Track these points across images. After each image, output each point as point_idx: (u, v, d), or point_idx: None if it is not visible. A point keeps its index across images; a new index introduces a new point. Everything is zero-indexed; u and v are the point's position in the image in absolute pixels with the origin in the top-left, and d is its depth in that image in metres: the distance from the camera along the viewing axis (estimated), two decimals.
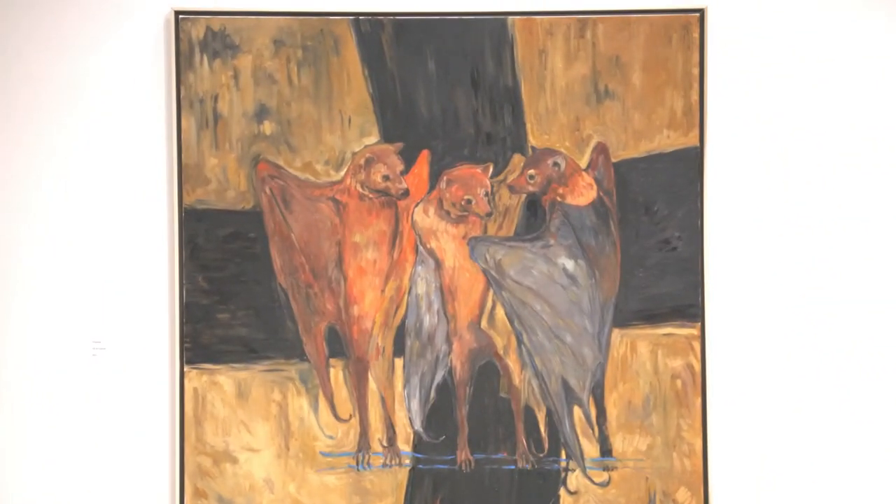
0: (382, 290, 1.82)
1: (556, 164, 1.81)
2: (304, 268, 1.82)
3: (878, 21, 1.83)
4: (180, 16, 1.80)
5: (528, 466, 1.81)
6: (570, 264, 1.81)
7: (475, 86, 1.81)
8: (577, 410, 1.82)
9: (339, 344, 1.83)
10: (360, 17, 1.80)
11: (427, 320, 1.83)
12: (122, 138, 1.83)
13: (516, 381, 1.82)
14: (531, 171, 1.81)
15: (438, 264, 1.82)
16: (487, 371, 1.82)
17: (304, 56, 1.81)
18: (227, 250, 1.81)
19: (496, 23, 1.80)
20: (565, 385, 1.82)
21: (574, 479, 1.81)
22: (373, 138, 1.81)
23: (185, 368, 1.81)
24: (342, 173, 1.82)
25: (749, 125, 1.82)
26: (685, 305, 1.80)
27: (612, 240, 1.81)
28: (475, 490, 1.81)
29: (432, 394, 1.82)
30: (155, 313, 1.82)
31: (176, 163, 1.81)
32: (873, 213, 1.83)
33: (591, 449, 1.82)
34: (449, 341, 1.83)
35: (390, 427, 1.82)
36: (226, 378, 1.81)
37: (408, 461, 1.82)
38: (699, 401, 1.81)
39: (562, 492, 1.81)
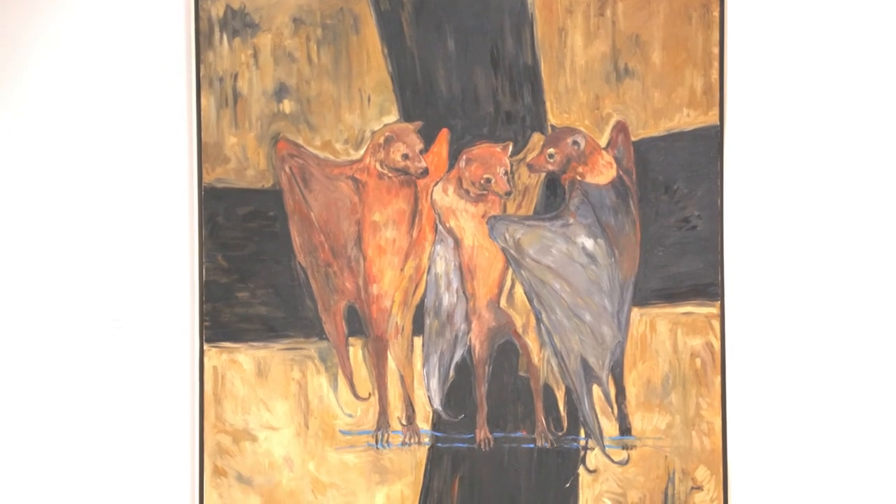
0: (402, 269, 1.83)
1: (575, 142, 1.81)
2: (324, 246, 1.82)
3: None
4: None
5: (548, 445, 1.82)
6: (589, 243, 1.81)
7: (495, 64, 1.81)
8: (596, 389, 1.82)
9: (358, 323, 1.83)
10: None
11: (446, 299, 1.83)
12: (142, 117, 1.83)
13: (535, 359, 1.82)
14: (550, 150, 1.81)
15: (457, 243, 1.83)
16: (506, 350, 1.83)
17: (324, 35, 1.81)
18: (247, 229, 1.82)
19: (516, 1, 1.80)
20: (584, 364, 1.82)
21: (593, 458, 1.82)
22: (392, 117, 1.81)
23: (205, 347, 1.81)
24: (361, 152, 1.82)
25: (769, 104, 1.81)
26: (705, 284, 1.80)
27: (631, 219, 1.81)
28: (494, 468, 1.82)
29: (451, 372, 1.83)
30: (174, 292, 1.83)
31: (195, 141, 1.81)
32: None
33: (610, 428, 1.82)
34: (468, 320, 1.83)
35: (409, 406, 1.83)
36: (245, 357, 1.82)
37: (427, 440, 1.83)
38: (718, 379, 1.80)
39: (581, 470, 1.81)
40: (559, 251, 1.81)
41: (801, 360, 1.82)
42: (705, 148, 1.80)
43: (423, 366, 1.83)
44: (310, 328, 1.82)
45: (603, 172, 1.81)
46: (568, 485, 1.81)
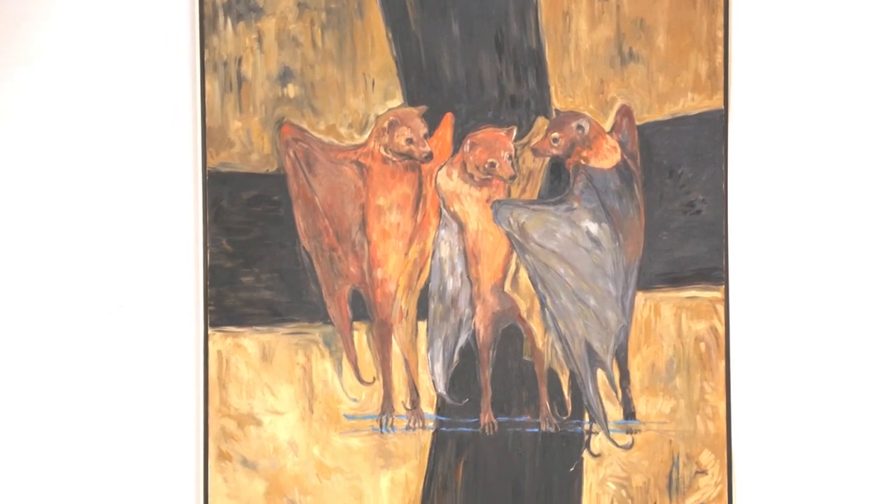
0: (406, 254, 1.83)
1: (580, 126, 1.81)
2: (328, 231, 1.82)
3: None
4: None
5: (552, 429, 1.82)
6: (593, 227, 1.81)
7: (499, 49, 1.80)
8: (600, 373, 1.82)
9: (362, 307, 1.83)
10: None
11: (450, 283, 1.83)
12: (147, 102, 1.83)
13: (540, 344, 1.82)
14: (555, 134, 1.81)
15: (462, 227, 1.83)
16: (511, 334, 1.83)
17: (328, 19, 1.81)
18: (251, 213, 1.82)
19: None
20: (589, 348, 1.82)
21: (597, 442, 1.82)
22: (396, 101, 1.81)
23: (210, 331, 1.81)
24: (366, 136, 1.82)
25: (774, 88, 1.82)
26: (709, 268, 1.80)
27: (636, 203, 1.81)
28: (498, 453, 1.82)
29: (455, 357, 1.83)
30: (179, 276, 1.83)
31: (200, 126, 1.81)
32: None
33: (614, 412, 1.82)
34: (472, 304, 1.83)
35: (414, 390, 1.83)
36: (250, 341, 1.82)
37: (431, 424, 1.83)
38: (723, 364, 1.81)
39: (585, 454, 1.82)
40: (563, 235, 1.81)
41: (805, 345, 1.82)
42: (710, 132, 1.80)
43: (428, 350, 1.83)
44: (314, 313, 1.82)
45: (607, 157, 1.81)
46: (572, 469, 1.82)
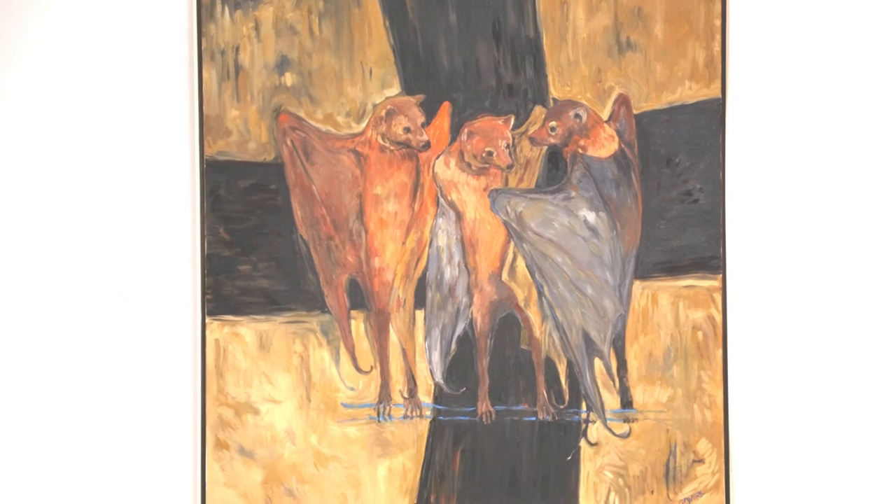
0: (403, 243, 1.83)
1: (577, 115, 1.81)
2: (326, 220, 1.82)
3: None
4: None
5: (549, 418, 1.82)
6: (591, 216, 1.81)
7: (497, 37, 1.80)
8: (597, 362, 1.82)
9: (360, 296, 1.83)
10: None
11: (448, 272, 1.83)
12: (144, 91, 1.83)
13: (537, 333, 1.82)
14: (552, 123, 1.81)
15: (459, 216, 1.83)
16: (508, 323, 1.83)
17: (326, 7, 1.81)
18: (249, 202, 1.82)
19: None
20: (586, 337, 1.82)
21: (595, 431, 1.82)
22: (394, 90, 1.81)
23: (207, 320, 1.82)
24: (363, 125, 1.82)
25: (771, 76, 1.81)
26: (707, 257, 1.80)
27: (633, 192, 1.81)
28: (496, 441, 1.82)
29: (453, 346, 1.83)
30: (177, 265, 1.83)
31: (197, 114, 1.81)
32: None
33: (611, 401, 1.82)
34: (470, 293, 1.83)
35: (411, 379, 1.83)
36: (247, 330, 1.82)
37: (428, 413, 1.83)
38: (720, 353, 1.81)
39: (582, 443, 1.82)
40: (561, 224, 1.81)
41: (803, 333, 1.82)
42: (707, 121, 1.80)
43: (425, 339, 1.83)
44: (312, 301, 1.82)
45: (605, 146, 1.81)
46: (569, 458, 1.82)
